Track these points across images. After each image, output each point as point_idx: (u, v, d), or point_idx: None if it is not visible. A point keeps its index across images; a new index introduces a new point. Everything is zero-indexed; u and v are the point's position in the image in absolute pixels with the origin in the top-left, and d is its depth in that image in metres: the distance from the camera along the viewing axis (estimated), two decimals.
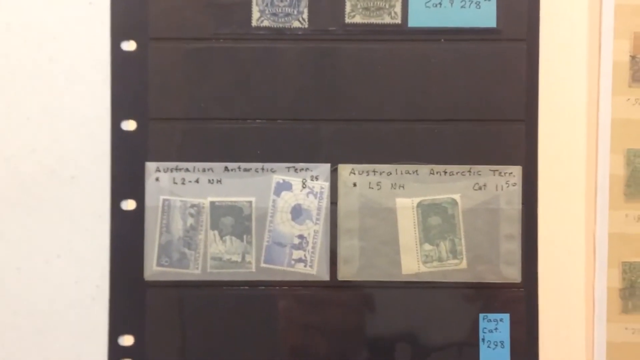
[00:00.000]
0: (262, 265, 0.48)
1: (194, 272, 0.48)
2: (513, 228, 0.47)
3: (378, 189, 0.48)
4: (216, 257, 0.48)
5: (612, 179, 0.47)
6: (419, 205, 0.47)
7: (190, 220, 0.48)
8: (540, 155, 0.48)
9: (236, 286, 0.47)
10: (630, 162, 0.47)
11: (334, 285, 0.47)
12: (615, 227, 0.47)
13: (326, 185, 0.48)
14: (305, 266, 0.48)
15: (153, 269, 0.47)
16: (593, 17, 0.48)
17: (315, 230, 0.48)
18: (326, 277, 0.47)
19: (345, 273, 0.47)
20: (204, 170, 0.48)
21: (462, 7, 0.47)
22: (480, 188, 0.47)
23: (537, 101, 0.48)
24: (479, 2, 0.47)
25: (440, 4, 0.48)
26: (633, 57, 0.47)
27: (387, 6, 0.47)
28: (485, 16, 0.47)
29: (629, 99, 0.47)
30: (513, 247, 0.47)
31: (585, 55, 0.48)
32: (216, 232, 0.48)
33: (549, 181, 0.48)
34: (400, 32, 0.48)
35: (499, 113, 0.48)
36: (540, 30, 0.48)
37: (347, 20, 0.48)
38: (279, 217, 0.48)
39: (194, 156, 0.48)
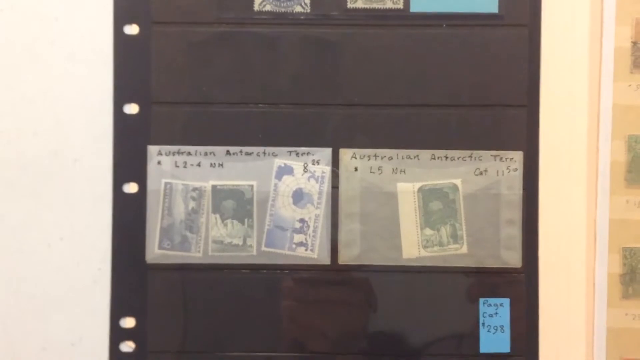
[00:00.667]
0: (263, 248, 0.48)
1: (195, 255, 0.48)
2: (514, 213, 0.47)
3: (379, 174, 0.48)
4: (218, 240, 0.48)
5: (613, 165, 0.47)
6: (420, 190, 0.48)
7: (192, 204, 0.48)
8: (541, 141, 0.48)
9: (237, 269, 0.48)
10: (631, 148, 0.47)
11: (335, 269, 0.48)
12: (616, 212, 0.47)
13: (327, 169, 0.48)
14: (306, 250, 0.48)
15: (155, 252, 0.48)
16: (595, 4, 0.48)
17: (316, 214, 0.48)
18: (327, 261, 0.48)
19: (346, 257, 0.48)
20: (205, 154, 0.48)
21: None
22: (481, 173, 0.48)
23: (538, 87, 0.48)
24: None
25: None
26: (634, 44, 0.47)
27: None
28: (487, 1, 0.47)
29: (630, 85, 0.47)
30: (514, 232, 0.47)
31: (586, 42, 0.48)
32: (218, 215, 0.48)
33: (550, 167, 0.48)
34: (403, 17, 0.48)
35: (500, 98, 0.48)
36: (542, 16, 0.48)
37: (349, 5, 0.48)
38: (280, 201, 0.48)
39: (196, 140, 0.48)
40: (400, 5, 0.48)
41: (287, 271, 0.48)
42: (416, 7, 0.48)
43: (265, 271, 0.48)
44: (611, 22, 0.47)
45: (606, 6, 0.48)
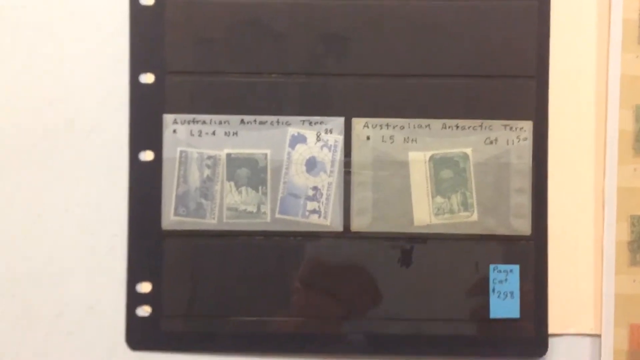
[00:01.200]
0: (277, 216, 0.49)
1: (210, 222, 0.49)
2: (523, 182, 0.48)
3: (391, 143, 0.48)
4: (232, 207, 0.49)
5: (621, 134, 0.48)
6: (431, 158, 0.48)
7: (206, 172, 0.49)
8: (550, 111, 0.48)
9: (251, 236, 0.48)
10: (639, 118, 0.48)
11: (348, 236, 0.48)
12: (624, 181, 0.48)
13: (340, 138, 0.49)
14: (319, 217, 0.49)
15: (170, 218, 0.49)
16: None
17: (329, 182, 0.49)
18: (340, 228, 0.48)
19: (359, 224, 0.48)
20: (220, 122, 0.49)
21: None
22: (491, 142, 0.48)
23: (547, 58, 0.48)
24: None
25: None
26: None
27: None
28: None
29: (638, 56, 0.48)
30: (523, 201, 0.48)
31: (595, 13, 0.49)
32: (232, 183, 0.49)
33: (559, 136, 0.48)
34: None
35: (510, 69, 0.48)
36: None
37: None
38: (293, 169, 0.49)
39: (211, 109, 0.49)
40: None
41: (300, 238, 0.48)
42: None
43: (278, 238, 0.48)
44: None
45: None
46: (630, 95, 0.48)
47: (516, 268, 0.48)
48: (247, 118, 0.48)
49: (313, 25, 0.48)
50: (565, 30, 0.49)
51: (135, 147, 0.49)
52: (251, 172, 0.49)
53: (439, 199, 0.48)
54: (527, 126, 0.48)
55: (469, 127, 0.48)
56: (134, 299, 0.48)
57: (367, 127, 0.48)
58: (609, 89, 0.48)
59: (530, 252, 0.48)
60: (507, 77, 0.48)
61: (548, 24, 0.48)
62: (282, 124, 0.49)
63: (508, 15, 0.48)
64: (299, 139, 0.49)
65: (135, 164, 0.49)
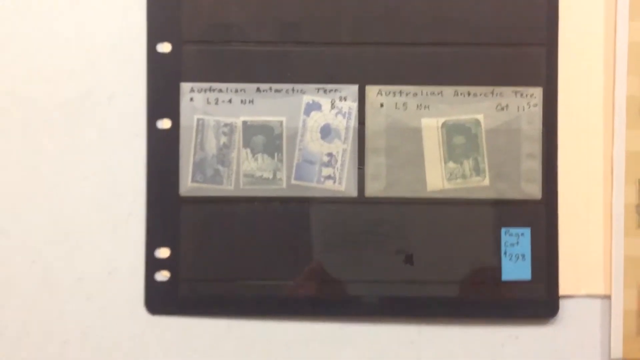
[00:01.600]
0: (293, 182, 0.49)
1: (227, 188, 0.49)
2: (534, 147, 0.49)
3: (404, 110, 0.49)
4: (248, 174, 0.49)
5: (629, 100, 0.49)
6: (444, 125, 0.49)
7: (223, 139, 0.50)
8: (560, 77, 0.49)
9: (267, 202, 0.49)
10: None
11: (362, 201, 0.49)
12: (632, 145, 0.49)
13: (354, 105, 0.49)
14: (334, 183, 0.49)
15: (188, 185, 0.49)
16: None
17: (343, 148, 0.49)
18: (354, 193, 0.49)
19: (373, 190, 0.49)
20: (236, 90, 0.49)
21: None
22: (502, 109, 0.49)
23: (557, 25, 0.49)
24: None
25: None
26: None
27: None
28: None
29: None
30: (534, 165, 0.49)
31: None
32: (248, 150, 0.50)
33: (569, 102, 0.49)
34: None
35: (521, 37, 0.49)
36: None
37: None
38: (308, 136, 0.50)
39: (227, 77, 0.49)
40: None
41: (315, 203, 0.49)
42: None
43: (294, 203, 0.49)
44: None
45: None
46: (638, 62, 0.49)
47: (527, 231, 0.49)
48: (262, 86, 0.49)
49: None
50: None
51: (153, 115, 0.50)
52: (267, 139, 0.50)
53: (451, 165, 0.49)
54: (537, 92, 0.49)
55: (480, 94, 0.49)
56: (152, 264, 0.49)
57: (381, 94, 0.49)
58: (617, 56, 0.49)
59: (541, 216, 0.49)
60: (517, 45, 0.49)
61: None
62: (297, 91, 0.49)
63: None
64: (314, 107, 0.50)
65: (153, 132, 0.50)
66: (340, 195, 0.49)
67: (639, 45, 0.49)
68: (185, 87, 0.49)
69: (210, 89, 0.49)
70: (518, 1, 0.49)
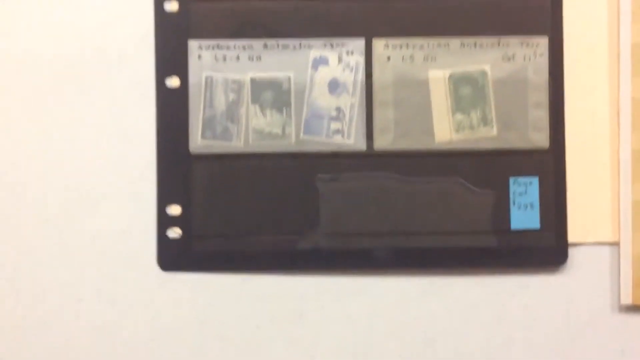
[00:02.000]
0: (302, 136, 0.50)
1: (237, 144, 0.50)
2: (541, 96, 0.50)
3: (411, 62, 0.50)
4: (258, 130, 0.50)
5: (633, 48, 0.49)
6: (451, 76, 0.50)
7: (232, 96, 0.50)
8: (565, 27, 0.50)
9: (277, 157, 0.50)
10: None
11: (371, 154, 0.50)
12: (638, 92, 0.49)
13: (361, 59, 0.50)
14: (342, 137, 0.50)
15: (198, 142, 0.50)
16: None
17: (351, 102, 0.50)
18: (363, 147, 0.50)
19: (381, 143, 0.50)
20: (243, 47, 0.50)
21: None
22: (509, 59, 0.50)
23: None
24: None
25: None
26: None
27: None
28: None
29: None
30: (541, 115, 0.49)
31: None
32: (257, 106, 0.50)
33: (574, 52, 0.50)
34: None
35: None
36: None
37: None
38: (316, 90, 0.50)
39: (234, 34, 0.50)
40: None
41: (325, 158, 0.50)
42: None
43: (303, 158, 0.50)
44: None
45: None
46: None
47: (535, 180, 0.49)
48: (269, 42, 0.50)
49: None
50: None
51: (161, 73, 0.50)
52: (275, 95, 0.50)
53: (459, 116, 0.50)
54: (542, 42, 0.50)
55: (486, 45, 0.50)
56: (164, 221, 0.50)
57: (387, 47, 0.50)
58: (621, 5, 0.49)
59: (549, 164, 0.50)
60: None
61: None
62: (304, 47, 0.50)
63: None
64: (321, 61, 0.50)
65: (162, 90, 0.50)
66: (349, 149, 0.50)
67: None
68: (193, 44, 0.50)
69: (217, 46, 0.50)
70: None
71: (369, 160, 0.50)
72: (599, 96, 0.50)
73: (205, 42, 0.50)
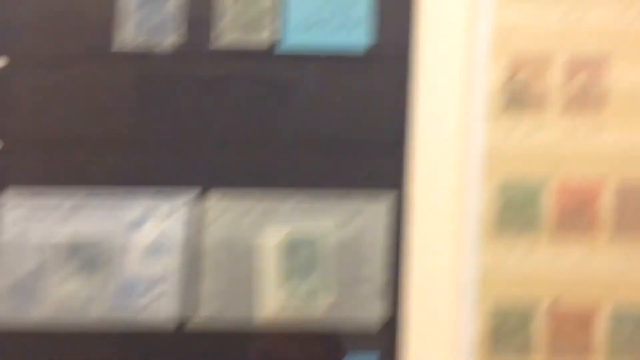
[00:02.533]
0: (110, 309, 0.44)
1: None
2: (380, 262, 0.45)
3: (246, 217, 0.45)
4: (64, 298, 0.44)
5: (484, 213, 0.45)
6: (288, 234, 0.45)
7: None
8: (413, 182, 0.45)
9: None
10: (501, 197, 0.45)
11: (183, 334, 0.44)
12: (486, 260, 0.44)
13: (190, 212, 0.45)
14: (156, 311, 0.44)
15: None
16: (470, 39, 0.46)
17: (172, 267, 0.44)
18: (175, 323, 0.44)
19: (200, 318, 0.44)
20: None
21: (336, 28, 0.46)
22: (352, 217, 0.45)
23: (407, 127, 0.45)
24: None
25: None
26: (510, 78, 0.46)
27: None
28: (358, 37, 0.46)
29: (501, 124, 0.45)
30: (375, 287, 0.44)
31: (458, 80, 0.46)
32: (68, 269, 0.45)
33: (422, 208, 0.45)
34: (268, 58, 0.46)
35: (370, 138, 0.46)
36: (417, 51, 0.46)
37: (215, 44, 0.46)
38: (134, 253, 0.45)
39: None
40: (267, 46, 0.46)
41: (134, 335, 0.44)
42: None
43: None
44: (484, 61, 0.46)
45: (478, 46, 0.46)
46: (495, 168, 0.45)
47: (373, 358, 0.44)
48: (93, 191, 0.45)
49: (166, 93, 0.46)
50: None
51: None
52: (87, 258, 0.45)
53: (290, 283, 0.44)
54: (388, 200, 0.45)
55: (328, 199, 0.45)
56: None
57: (222, 199, 0.45)
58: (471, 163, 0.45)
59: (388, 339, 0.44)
60: (367, 148, 0.45)
61: (410, 92, 0.46)
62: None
63: (369, 83, 0.46)
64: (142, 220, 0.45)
65: None
66: (160, 326, 0.44)
67: (496, 149, 0.45)
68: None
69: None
70: (369, 101, 0.46)
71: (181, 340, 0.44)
72: (442, 266, 0.45)
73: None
